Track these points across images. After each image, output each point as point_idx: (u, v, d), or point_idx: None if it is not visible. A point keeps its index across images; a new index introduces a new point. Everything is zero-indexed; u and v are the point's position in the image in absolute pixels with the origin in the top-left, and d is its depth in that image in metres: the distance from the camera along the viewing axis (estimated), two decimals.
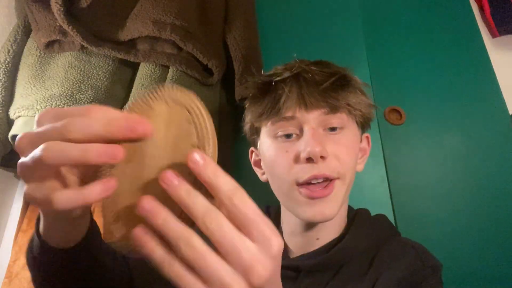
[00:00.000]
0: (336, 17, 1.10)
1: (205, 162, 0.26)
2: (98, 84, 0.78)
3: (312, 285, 0.51)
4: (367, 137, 0.62)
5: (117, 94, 0.81)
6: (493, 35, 1.11)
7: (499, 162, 0.90)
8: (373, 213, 0.64)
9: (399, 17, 1.11)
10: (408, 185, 0.89)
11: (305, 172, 0.49)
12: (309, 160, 0.48)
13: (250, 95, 0.59)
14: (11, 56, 0.79)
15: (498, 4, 1.12)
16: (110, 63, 0.82)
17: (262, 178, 0.60)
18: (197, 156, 0.26)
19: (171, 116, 0.30)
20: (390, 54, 1.05)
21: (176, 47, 0.82)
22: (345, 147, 0.51)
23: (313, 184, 0.49)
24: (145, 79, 0.80)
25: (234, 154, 0.92)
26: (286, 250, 0.56)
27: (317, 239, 0.55)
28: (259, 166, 0.62)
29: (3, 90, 0.76)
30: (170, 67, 0.82)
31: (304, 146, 0.49)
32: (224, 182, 0.26)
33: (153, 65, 0.82)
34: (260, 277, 0.24)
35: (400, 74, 1.03)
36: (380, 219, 0.60)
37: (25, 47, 0.82)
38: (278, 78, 0.54)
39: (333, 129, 0.52)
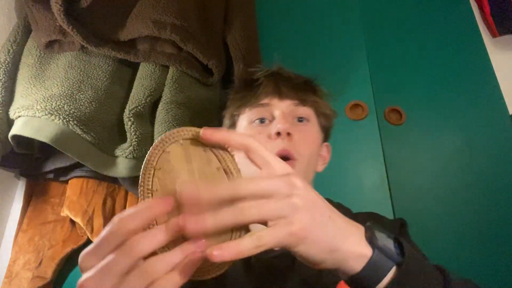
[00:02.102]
0: (336, 17, 1.10)
1: (216, 130, 0.33)
2: (98, 84, 0.78)
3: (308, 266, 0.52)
4: (327, 145, 0.69)
5: (117, 94, 0.81)
6: (493, 35, 1.11)
7: (499, 162, 0.90)
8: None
9: (399, 17, 1.11)
10: (408, 185, 0.89)
11: (274, 147, 0.55)
12: (278, 135, 0.56)
13: (233, 90, 0.68)
14: (11, 56, 0.79)
15: (498, 4, 1.12)
16: (110, 63, 0.82)
17: None
18: (206, 131, 0.32)
19: (187, 152, 0.33)
20: (390, 54, 1.05)
21: (176, 47, 0.82)
22: (308, 136, 0.59)
23: None
24: (145, 79, 0.80)
25: None
26: None
27: None
28: None
29: (3, 90, 0.76)
30: (170, 67, 0.82)
31: (275, 124, 0.57)
32: (238, 137, 0.33)
33: (153, 65, 0.82)
34: (299, 189, 0.30)
35: (400, 74, 1.03)
36: (338, 204, 0.65)
37: (25, 47, 0.82)
38: (258, 74, 0.63)
39: (300, 119, 0.60)
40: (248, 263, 0.55)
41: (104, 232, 0.28)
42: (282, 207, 0.29)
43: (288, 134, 0.56)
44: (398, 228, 0.60)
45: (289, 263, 0.54)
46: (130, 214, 0.29)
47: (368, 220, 0.57)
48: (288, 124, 0.57)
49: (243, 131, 0.61)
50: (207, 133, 0.32)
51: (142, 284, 0.27)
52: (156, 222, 0.30)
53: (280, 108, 0.59)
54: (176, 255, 0.28)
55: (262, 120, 0.60)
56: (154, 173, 0.32)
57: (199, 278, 0.30)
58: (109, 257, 0.27)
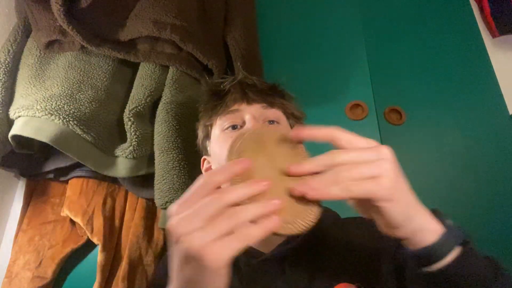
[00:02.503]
0: (336, 17, 1.10)
1: (303, 128, 0.37)
2: (98, 84, 0.78)
3: (298, 270, 0.54)
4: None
5: (117, 94, 0.81)
6: (493, 35, 1.11)
7: (499, 162, 0.90)
8: None
9: (399, 17, 1.11)
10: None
11: None
12: None
13: (202, 102, 0.68)
14: (11, 56, 0.79)
15: (498, 4, 1.12)
16: (110, 63, 0.82)
17: None
18: (295, 131, 0.38)
19: (272, 142, 0.40)
20: (390, 54, 1.05)
21: (176, 47, 0.82)
22: None
23: None
24: (145, 79, 0.80)
25: None
26: (251, 249, 0.57)
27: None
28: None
29: (3, 90, 0.76)
30: (170, 67, 0.82)
31: (246, 127, 0.58)
32: (323, 130, 0.37)
33: (153, 65, 0.82)
34: (388, 154, 0.35)
35: (400, 74, 1.03)
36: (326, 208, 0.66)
37: (25, 47, 0.82)
38: (225, 84, 0.64)
39: (271, 122, 0.61)
40: (237, 267, 0.55)
41: (194, 186, 0.33)
42: (374, 167, 0.34)
43: None
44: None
45: (278, 269, 0.54)
46: (218, 170, 0.34)
47: (360, 224, 0.60)
48: (259, 125, 0.58)
49: (217, 139, 0.62)
50: (295, 132, 0.38)
51: (226, 227, 0.30)
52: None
53: (250, 112, 0.60)
54: (257, 208, 0.32)
55: (234, 127, 0.61)
56: (240, 143, 0.38)
57: (276, 233, 0.34)
58: (199, 203, 0.32)
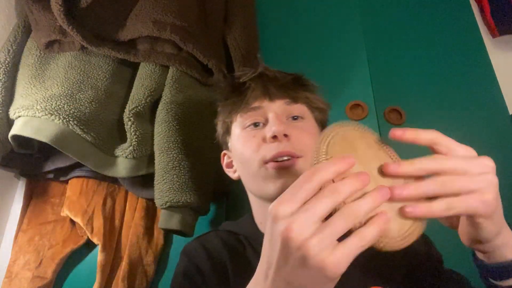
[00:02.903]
0: (336, 17, 1.10)
1: (406, 130, 0.36)
2: (98, 84, 0.78)
3: None
4: None
5: (117, 94, 0.81)
6: (493, 35, 1.11)
7: (499, 162, 0.89)
8: None
9: (399, 17, 1.11)
10: None
11: (271, 149, 0.54)
12: (275, 138, 0.54)
13: (221, 97, 0.65)
14: (11, 56, 0.79)
15: (498, 4, 1.12)
16: (110, 63, 0.82)
17: (234, 176, 0.64)
18: (397, 132, 0.36)
19: (362, 139, 0.38)
20: (390, 54, 1.05)
21: (176, 47, 0.82)
22: (306, 132, 0.57)
23: (279, 161, 0.54)
24: (145, 79, 0.80)
25: None
26: None
27: None
28: (231, 166, 0.65)
29: (3, 90, 0.76)
30: (170, 67, 0.82)
31: (269, 127, 0.55)
32: (425, 134, 0.37)
33: (153, 65, 0.82)
34: (492, 168, 0.35)
35: (400, 74, 1.03)
36: None
37: (25, 47, 0.82)
38: (244, 77, 0.61)
39: (295, 118, 0.58)
40: None
41: (298, 182, 0.30)
42: (479, 181, 0.33)
43: (285, 135, 0.54)
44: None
45: None
46: (323, 167, 0.31)
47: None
48: (283, 126, 0.54)
49: (238, 137, 0.59)
50: (398, 133, 0.36)
51: (344, 227, 0.28)
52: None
53: (272, 110, 0.57)
54: (374, 198, 0.30)
55: (256, 124, 0.58)
56: (329, 142, 0.35)
57: (382, 246, 0.32)
58: (311, 202, 0.29)
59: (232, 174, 0.65)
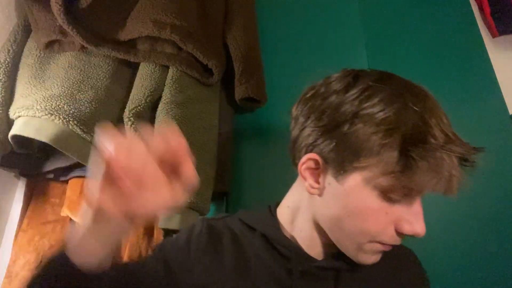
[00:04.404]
0: (336, 17, 1.10)
1: None
2: (98, 84, 0.78)
3: (352, 283, 0.53)
4: None
5: (117, 94, 0.81)
6: (493, 35, 1.11)
7: (499, 162, 0.90)
8: None
9: (399, 17, 1.11)
10: None
11: (393, 240, 0.47)
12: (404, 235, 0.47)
13: (425, 148, 0.44)
14: (11, 56, 0.79)
15: (498, 4, 1.12)
16: (110, 63, 0.82)
17: (311, 190, 0.51)
18: None
19: None
20: (390, 54, 1.05)
21: (176, 47, 0.82)
22: None
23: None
24: (145, 79, 0.80)
25: (235, 154, 0.92)
26: (305, 252, 0.55)
27: (331, 243, 0.55)
28: (315, 178, 0.51)
29: (3, 90, 0.76)
30: (170, 67, 0.82)
31: (414, 223, 0.46)
32: None
33: (153, 65, 0.82)
34: None
35: (400, 74, 1.02)
36: None
37: (25, 47, 0.82)
38: (445, 152, 0.45)
39: None
40: (288, 268, 0.53)
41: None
42: None
43: None
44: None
45: (332, 281, 0.53)
46: None
47: (404, 255, 0.60)
48: (425, 230, 0.46)
49: (364, 196, 0.45)
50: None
51: None
52: None
53: (421, 201, 0.48)
54: None
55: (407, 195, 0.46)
56: None
57: None
58: None
59: (309, 186, 0.51)
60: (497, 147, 0.91)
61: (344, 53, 1.05)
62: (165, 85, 0.81)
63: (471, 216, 0.84)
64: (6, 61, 0.78)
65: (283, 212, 0.60)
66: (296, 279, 0.52)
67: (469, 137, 0.99)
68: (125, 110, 0.76)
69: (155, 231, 0.82)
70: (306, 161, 0.50)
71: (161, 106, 0.78)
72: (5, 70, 0.77)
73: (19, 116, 0.71)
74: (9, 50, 0.79)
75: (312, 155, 0.49)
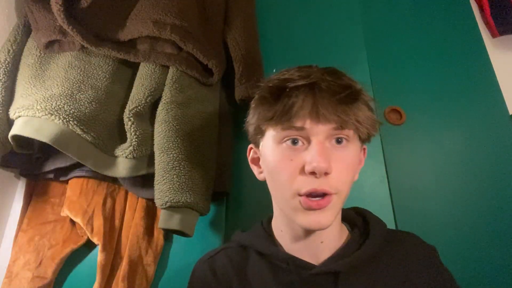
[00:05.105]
0: (336, 17, 1.10)
1: None
2: (98, 84, 0.78)
3: (352, 284, 0.53)
4: (364, 148, 0.63)
5: (117, 94, 0.81)
6: (493, 35, 1.11)
7: (499, 162, 0.90)
8: (373, 213, 0.64)
9: (399, 17, 1.11)
10: (408, 185, 0.89)
11: (307, 184, 0.50)
12: (313, 173, 0.50)
13: (261, 96, 0.57)
14: (11, 56, 0.79)
15: (498, 4, 1.12)
16: (110, 63, 0.82)
17: (260, 176, 0.62)
18: None
19: None
20: (390, 54, 1.05)
21: (176, 47, 0.82)
22: (346, 164, 0.53)
23: (312, 196, 0.51)
24: (145, 79, 0.80)
25: (235, 154, 0.91)
26: (300, 260, 0.57)
27: (321, 242, 0.57)
28: (257, 164, 0.62)
29: (3, 90, 0.76)
30: (170, 67, 0.82)
31: (311, 160, 0.50)
32: None
33: (153, 65, 0.82)
34: None
35: (400, 74, 1.03)
36: (376, 217, 0.64)
37: (25, 47, 0.82)
38: (293, 85, 0.52)
39: (339, 141, 0.53)
40: (286, 277, 0.55)
41: None
42: None
43: (325, 173, 0.50)
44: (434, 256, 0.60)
45: (332, 285, 0.53)
46: None
47: (413, 248, 0.59)
48: (327, 163, 0.49)
49: (272, 151, 0.54)
50: None
51: None
52: None
53: (318, 134, 0.51)
54: None
55: (294, 141, 0.52)
56: None
57: None
58: None
59: (257, 173, 0.62)
60: (497, 147, 0.91)
61: (344, 53, 1.05)
62: (165, 85, 0.81)
63: (471, 216, 0.84)
64: (6, 61, 0.78)
65: (273, 223, 0.63)
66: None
67: (469, 137, 1.00)
68: (125, 110, 0.76)
69: (155, 231, 0.82)
70: (248, 152, 0.64)
71: (161, 106, 0.78)
72: (5, 70, 0.77)
73: (19, 116, 0.71)
74: (9, 50, 0.80)
75: (250, 146, 0.64)
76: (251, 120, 0.60)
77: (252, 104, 0.60)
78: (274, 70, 0.59)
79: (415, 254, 0.58)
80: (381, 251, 0.56)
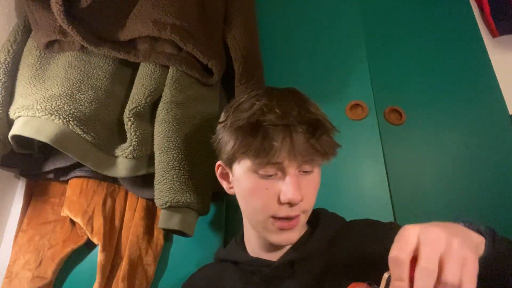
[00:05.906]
0: (336, 17, 1.10)
1: None
2: (98, 84, 0.78)
3: (308, 272, 0.57)
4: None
5: (117, 94, 0.81)
6: (493, 35, 1.11)
7: (498, 162, 0.90)
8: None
9: (399, 17, 1.11)
10: (408, 185, 0.89)
11: (282, 211, 0.56)
12: (289, 204, 0.55)
13: (238, 127, 0.57)
14: (11, 56, 0.79)
15: (498, 4, 1.12)
16: (110, 63, 0.82)
17: (230, 191, 0.65)
18: None
19: None
20: (390, 54, 1.05)
21: (176, 47, 0.82)
22: (313, 188, 0.59)
23: (285, 221, 0.57)
24: (145, 79, 0.80)
25: None
26: (263, 260, 0.62)
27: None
28: (226, 180, 0.65)
29: (3, 90, 0.76)
30: (170, 67, 0.82)
31: (286, 192, 0.54)
32: None
33: (153, 65, 0.82)
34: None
35: (400, 74, 1.03)
36: (333, 214, 0.69)
37: (25, 47, 0.82)
38: (270, 126, 0.54)
39: (307, 172, 0.57)
40: (251, 278, 0.60)
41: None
42: (464, 272, 0.36)
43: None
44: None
45: (289, 272, 0.58)
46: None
47: (364, 228, 0.63)
48: (301, 195, 0.54)
49: (246, 178, 0.57)
50: None
51: None
52: None
53: (292, 167, 0.55)
54: None
55: (269, 174, 0.56)
56: None
57: None
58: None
59: (227, 188, 0.65)
60: (497, 147, 0.91)
61: (344, 52, 1.05)
62: (165, 85, 0.81)
63: (471, 215, 0.84)
64: (6, 61, 0.78)
65: (245, 233, 0.68)
66: (259, 286, 0.58)
67: (469, 137, 1.00)
68: (125, 110, 0.76)
69: (155, 231, 0.82)
70: (217, 168, 0.66)
71: (161, 106, 0.78)
72: (5, 70, 0.77)
73: (19, 116, 0.71)
74: (9, 50, 0.79)
75: (218, 162, 0.65)
76: (222, 140, 0.60)
77: (227, 127, 0.59)
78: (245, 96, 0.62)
79: (368, 230, 0.62)
80: (336, 238, 0.61)
